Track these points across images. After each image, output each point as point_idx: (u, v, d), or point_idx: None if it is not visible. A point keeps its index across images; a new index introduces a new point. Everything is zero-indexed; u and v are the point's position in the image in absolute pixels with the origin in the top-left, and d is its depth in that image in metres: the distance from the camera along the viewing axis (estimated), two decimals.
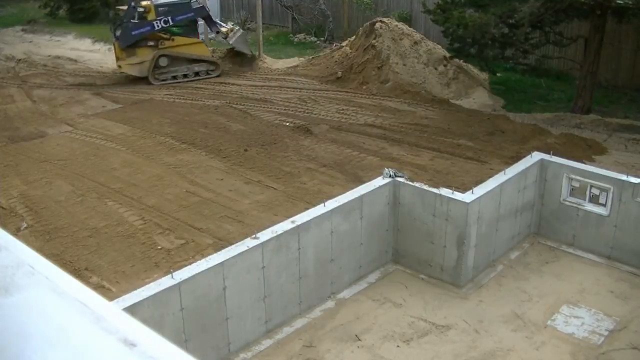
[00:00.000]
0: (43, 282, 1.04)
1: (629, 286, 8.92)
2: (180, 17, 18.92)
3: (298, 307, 8.18)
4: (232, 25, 20.52)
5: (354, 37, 20.17)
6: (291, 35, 25.88)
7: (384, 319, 8.14)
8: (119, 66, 19.30)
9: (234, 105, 16.79)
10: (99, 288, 8.58)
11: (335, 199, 8.56)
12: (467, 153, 13.59)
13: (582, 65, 16.11)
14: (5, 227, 3.23)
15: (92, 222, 10.73)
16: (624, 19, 15.68)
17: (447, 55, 18.23)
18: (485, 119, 15.83)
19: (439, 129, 15.07)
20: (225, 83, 19.16)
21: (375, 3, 23.44)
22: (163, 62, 19.03)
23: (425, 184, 9.18)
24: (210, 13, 20.18)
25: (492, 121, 15.68)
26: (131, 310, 6.10)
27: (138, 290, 6.67)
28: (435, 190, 8.84)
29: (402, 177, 9.14)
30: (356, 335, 7.81)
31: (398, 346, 7.64)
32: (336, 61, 19.83)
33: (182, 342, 6.75)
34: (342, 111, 16.34)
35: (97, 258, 9.65)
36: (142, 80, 19.28)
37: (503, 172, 9.47)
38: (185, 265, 7.46)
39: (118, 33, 18.82)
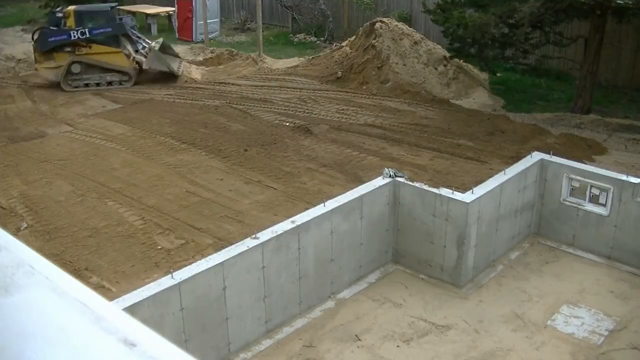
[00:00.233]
0: (43, 282, 1.04)
1: (629, 286, 8.92)
2: (98, 31, 18.80)
3: (298, 307, 8.18)
4: (154, 43, 19.98)
5: (354, 37, 20.17)
6: (291, 35, 25.89)
7: (384, 319, 8.14)
8: (36, 69, 19.29)
9: (234, 105, 16.79)
10: (99, 288, 8.58)
11: (335, 199, 8.56)
12: (467, 153, 13.59)
13: (582, 65, 16.11)
14: (5, 227, 3.24)
15: (92, 222, 10.73)
16: (624, 19, 15.69)
17: (447, 55, 18.23)
18: (485, 119, 15.83)
19: (439, 129, 15.07)
20: (225, 83, 19.16)
21: (375, 3, 23.45)
22: (76, 68, 18.83)
23: (425, 184, 9.19)
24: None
25: (492, 121, 15.68)
26: (131, 310, 6.10)
27: (138, 290, 6.67)
28: (435, 190, 8.84)
29: (402, 177, 9.14)
30: (356, 335, 7.82)
31: (398, 346, 7.64)
32: (336, 61, 19.83)
33: (182, 342, 6.75)
34: (342, 111, 16.34)
35: (97, 258, 9.65)
36: (142, 80, 19.29)
37: (503, 172, 9.47)
38: (185, 265, 7.46)
39: (36, 36, 18.85)
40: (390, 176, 9.04)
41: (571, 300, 8.55)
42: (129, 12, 27.80)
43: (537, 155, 10.00)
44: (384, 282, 9.03)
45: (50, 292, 1.03)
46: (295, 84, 18.79)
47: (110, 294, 8.08)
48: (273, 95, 17.70)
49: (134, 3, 28.86)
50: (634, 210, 9.13)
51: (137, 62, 19.22)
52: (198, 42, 24.88)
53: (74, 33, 18.45)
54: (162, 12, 27.21)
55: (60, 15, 19.02)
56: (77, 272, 9.09)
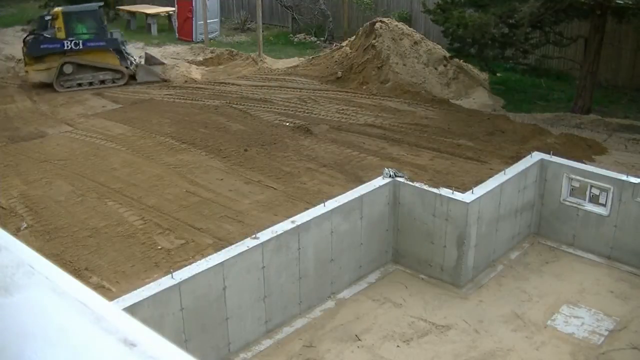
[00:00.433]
0: (43, 282, 1.04)
1: (629, 286, 8.92)
2: (92, 45, 18.90)
3: (298, 307, 8.18)
4: (138, 59, 20.15)
5: (354, 37, 20.17)
6: (291, 35, 25.89)
7: (384, 319, 8.14)
8: (26, 72, 19.30)
9: (234, 105, 16.79)
10: (99, 288, 8.58)
11: (335, 199, 8.56)
12: (467, 153, 13.59)
13: (582, 65, 16.11)
14: (5, 227, 3.24)
15: (92, 222, 10.73)
16: (624, 19, 15.69)
17: (447, 55, 18.23)
18: (485, 119, 15.83)
19: (439, 129, 15.07)
20: (225, 83, 19.17)
21: (375, 3, 23.44)
22: (68, 69, 18.86)
23: (425, 184, 9.18)
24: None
25: (492, 121, 15.68)
26: (131, 310, 6.10)
27: (138, 290, 6.66)
28: (435, 190, 8.84)
29: (402, 177, 9.14)
30: (356, 335, 7.82)
31: (398, 346, 7.64)
32: (336, 61, 19.83)
33: (182, 342, 6.75)
34: (342, 111, 16.34)
35: (97, 258, 9.65)
36: (142, 80, 19.32)
37: (503, 172, 9.47)
38: (185, 265, 7.46)
39: (28, 40, 18.90)
40: (390, 176, 9.04)
41: (571, 300, 8.55)
42: (129, 12, 27.86)
43: (537, 155, 10.00)
44: (384, 282, 9.03)
45: (50, 292, 1.03)
46: (295, 84, 18.78)
47: (110, 294, 8.08)
48: (273, 95, 17.70)
49: (134, 3, 28.86)
50: (634, 210, 9.13)
51: (134, 73, 19.55)
52: (198, 42, 24.88)
53: (67, 43, 18.57)
54: (162, 12, 27.21)
55: (48, 18, 19.04)
56: (77, 272, 9.09)
